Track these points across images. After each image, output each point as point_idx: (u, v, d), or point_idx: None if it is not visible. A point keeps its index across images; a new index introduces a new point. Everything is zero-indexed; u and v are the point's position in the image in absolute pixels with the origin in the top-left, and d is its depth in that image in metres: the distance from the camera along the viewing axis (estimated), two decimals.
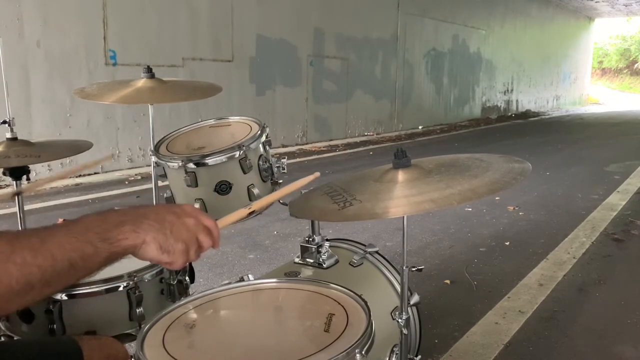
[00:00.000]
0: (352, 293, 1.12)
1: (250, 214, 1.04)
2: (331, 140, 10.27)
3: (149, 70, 1.82)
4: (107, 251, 0.77)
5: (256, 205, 1.05)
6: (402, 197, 1.09)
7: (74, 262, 0.73)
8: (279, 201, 1.69)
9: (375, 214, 1.07)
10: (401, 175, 1.16)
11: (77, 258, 0.74)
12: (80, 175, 6.28)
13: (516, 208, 4.84)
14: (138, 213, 0.84)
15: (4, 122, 1.75)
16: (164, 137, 1.75)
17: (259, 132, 1.62)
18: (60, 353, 1.08)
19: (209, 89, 1.99)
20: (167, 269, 1.41)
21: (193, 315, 1.13)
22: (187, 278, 1.49)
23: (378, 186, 1.16)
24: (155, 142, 1.71)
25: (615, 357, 2.28)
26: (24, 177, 1.71)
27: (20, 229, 1.74)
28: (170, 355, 0.96)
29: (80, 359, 1.07)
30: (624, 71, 32.95)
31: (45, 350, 1.09)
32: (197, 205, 1.55)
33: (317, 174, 1.07)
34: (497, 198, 5.04)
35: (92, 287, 1.27)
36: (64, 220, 1.69)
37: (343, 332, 0.99)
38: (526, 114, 18.39)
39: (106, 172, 6.58)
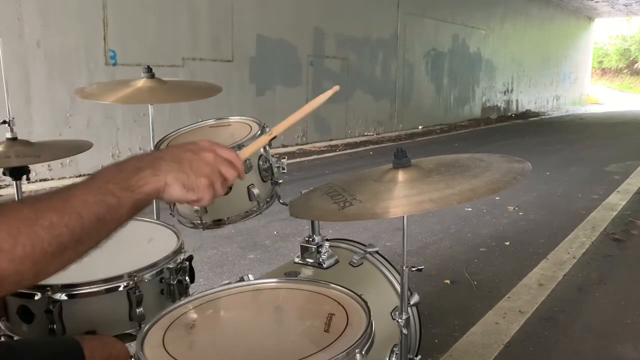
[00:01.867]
0: (352, 293, 1.12)
1: (272, 139, 1.02)
2: (331, 140, 10.27)
3: (149, 70, 1.82)
4: (130, 199, 0.77)
5: (276, 130, 1.02)
6: (402, 197, 1.09)
7: (101, 216, 0.73)
8: (279, 201, 1.70)
9: (375, 214, 1.07)
10: (401, 175, 1.16)
11: (103, 211, 0.73)
12: (80, 176, 6.28)
13: (516, 208, 4.84)
14: (154, 156, 0.83)
15: (4, 122, 1.75)
16: (164, 137, 1.75)
17: (259, 132, 1.61)
18: (61, 353, 1.08)
19: (209, 89, 1.99)
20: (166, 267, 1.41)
21: (193, 315, 1.13)
22: (187, 278, 1.49)
23: (378, 186, 1.16)
24: (155, 142, 1.71)
25: (615, 357, 2.28)
26: (24, 177, 1.71)
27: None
28: (170, 355, 0.96)
29: (82, 359, 1.07)
30: (624, 71, 32.96)
31: (46, 350, 1.09)
32: (196, 206, 1.55)
33: (337, 87, 1.04)
34: (497, 198, 5.04)
35: (92, 287, 1.27)
36: None
37: (343, 332, 0.99)
38: (526, 114, 18.39)
39: None
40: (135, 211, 0.78)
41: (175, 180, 0.80)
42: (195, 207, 1.55)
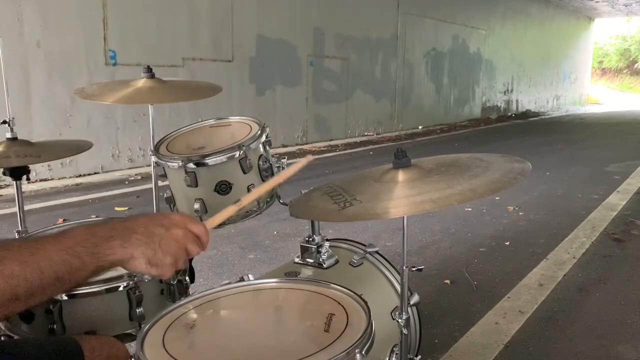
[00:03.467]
0: (352, 293, 1.12)
1: (239, 209, 1.03)
2: (331, 140, 10.27)
3: (149, 70, 1.82)
4: (94, 265, 0.78)
5: (245, 199, 1.04)
6: (402, 197, 1.09)
7: (60, 275, 0.74)
8: (279, 201, 1.70)
9: (375, 214, 1.07)
10: (401, 175, 1.16)
11: (64, 271, 0.75)
12: (80, 175, 6.28)
13: (516, 208, 4.84)
14: (127, 227, 0.84)
15: (4, 122, 1.75)
16: (164, 137, 1.75)
17: (259, 132, 1.61)
18: (61, 353, 1.08)
19: (209, 89, 1.99)
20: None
21: (193, 315, 1.12)
22: (187, 278, 1.49)
23: (378, 186, 1.16)
24: (155, 142, 1.71)
25: (615, 357, 2.28)
26: (24, 177, 1.71)
27: (16, 232, 1.74)
28: (170, 355, 0.96)
29: (81, 359, 1.07)
30: (624, 71, 32.96)
31: (45, 350, 1.09)
32: (197, 206, 1.55)
33: (310, 157, 1.05)
34: (497, 198, 5.04)
35: (92, 287, 1.27)
36: (63, 220, 1.69)
37: (343, 332, 0.99)
38: (526, 114, 18.39)
39: (106, 172, 6.58)
40: (94, 276, 0.80)
41: (142, 255, 0.82)
42: (195, 207, 1.55)
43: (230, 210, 1.03)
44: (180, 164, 1.53)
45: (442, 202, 1.03)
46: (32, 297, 0.72)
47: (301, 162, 1.02)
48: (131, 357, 1.03)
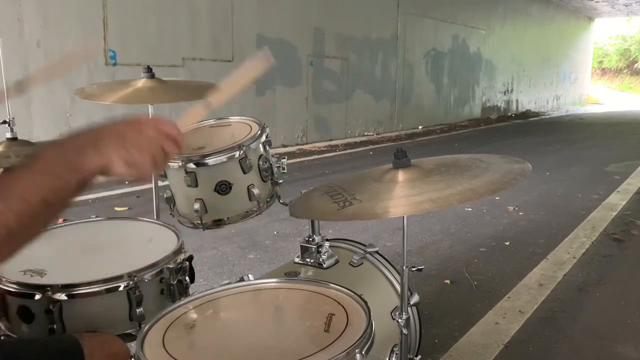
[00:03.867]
0: (352, 293, 1.12)
1: (209, 109, 0.98)
2: (331, 140, 10.26)
3: (149, 70, 1.82)
4: (75, 179, 0.77)
5: (213, 98, 1.00)
6: (402, 197, 1.09)
7: (48, 199, 0.73)
8: (279, 201, 1.70)
9: (375, 213, 1.07)
10: (401, 175, 1.16)
11: (49, 194, 0.73)
12: None
13: (516, 208, 4.84)
14: (95, 133, 0.82)
15: (4, 122, 1.76)
16: None
17: (259, 132, 1.62)
18: (60, 351, 1.08)
19: (209, 89, 1.98)
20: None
21: (193, 315, 1.13)
22: (187, 278, 1.49)
23: (378, 186, 1.16)
24: None
25: (615, 357, 2.28)
26: None
27: None
28: (170, 355, 0.96)
29: (81, 357, 1.07)
30: (624, 71, 32.96)
31: (45, 349, 1.09)
32: (197, 206, 1.55)
33: (269, 59, 1.01)
34: (497, 198, 5.04)
35: (92, 287, 1.27)
36: (63, 220, 1.68)
37: (343, 332, 0.99)
38: (526, 114, 18.39)
39: None
40: (81, 189, 0.78)
41: (118, 158, 0.80)
42: (195, 207, 1.55)
43: (200, 111, 0.99)
44: (180, 164, 1.53)
45: (442, 202, 1.03)
46: (27, 228, 0.72)
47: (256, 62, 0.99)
48: (131, 357, 1.03)
